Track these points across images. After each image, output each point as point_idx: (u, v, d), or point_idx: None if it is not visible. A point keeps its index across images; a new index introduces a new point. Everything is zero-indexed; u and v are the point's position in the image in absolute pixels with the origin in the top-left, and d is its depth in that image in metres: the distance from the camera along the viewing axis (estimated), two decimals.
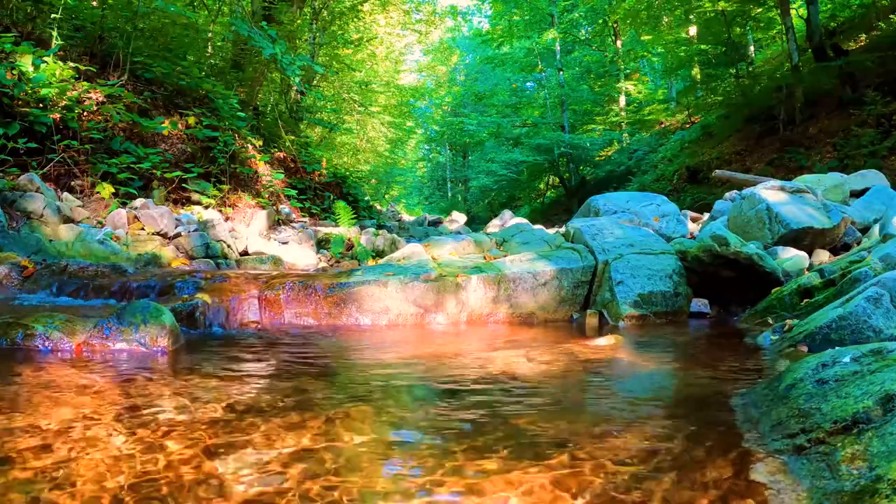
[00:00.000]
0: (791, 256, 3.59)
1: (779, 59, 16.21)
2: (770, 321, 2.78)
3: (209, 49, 9.78)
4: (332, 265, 5.50)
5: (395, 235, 7.15)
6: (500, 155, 23.62)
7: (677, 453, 1.25)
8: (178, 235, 4.95)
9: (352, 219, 7.75)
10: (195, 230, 5.06)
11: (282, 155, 9.00)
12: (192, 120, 6.70)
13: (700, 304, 3.26)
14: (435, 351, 2.48)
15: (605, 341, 2.51)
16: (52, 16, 5.78)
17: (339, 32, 13.77)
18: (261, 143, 8.22)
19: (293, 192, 8.10)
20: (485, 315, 3.18)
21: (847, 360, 1.39)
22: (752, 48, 17.36)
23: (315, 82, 12.20)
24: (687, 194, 14.03)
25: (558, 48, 23.35)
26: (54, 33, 5.72)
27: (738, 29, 15.25)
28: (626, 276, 3.24)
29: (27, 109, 4.91)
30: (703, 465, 1.18)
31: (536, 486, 1.11)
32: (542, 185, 26.74)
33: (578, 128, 24.39)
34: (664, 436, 1.36)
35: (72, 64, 5.42)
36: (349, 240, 6.26)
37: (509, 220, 8.82)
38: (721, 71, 16.30)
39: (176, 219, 5.17)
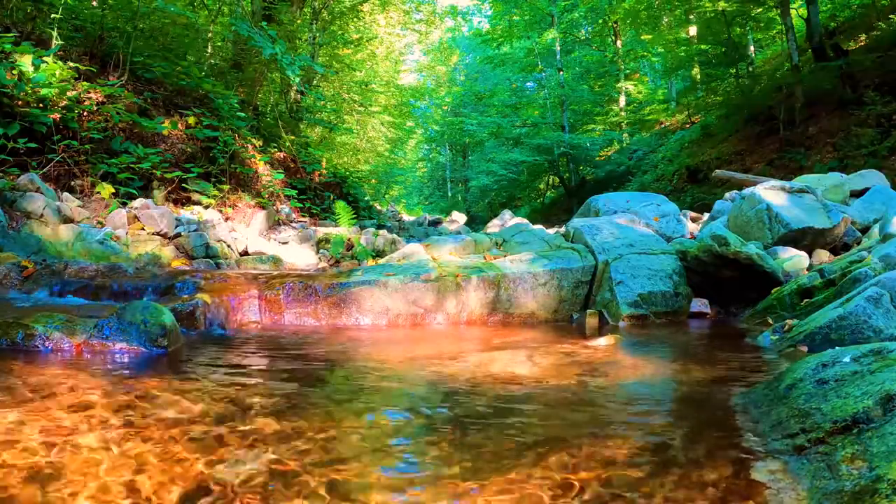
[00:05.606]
0: (791, 256, 3.59)
1: (779, 59, 16.22)
2: (770, 321, 2.78)
3: (209, 49, 9.77)
4: (332, 265, 5.50)
5: (394, 235, 7.15)
6: (500, 155, 23.60)
7: (677, 453, 1.25)
8: (178, 235, 4.95)
9: (352, 219, 7.75)
10: (195, 230, 5.05)
11: (282, 155, 9.00)
12: (192, 120, 6.69)
13: (700, 304, 3.26)
14: (434, 351, 2.48)
15: (604, 341, 2.51)
16: (52, 16, 5.78)
17: (339, 32, 13.76)
18: (261, 143, 8.22)
19: (293, 192, 8.10)
20: (485, 315, 3.18)
21: (847, 360, 1.39)
22: (752, 48, 17.36)
23: (315, 82, 12.19)
24: (687, 194, 14.03)
25: (558, 48, 23.34)
26: (54, 33, 5.71)
27: (738, 29, 15.25)
28: (625, 276, 3.24)
29: (27, 109, 4.91)
30: (703, 465, 1.18)
31: (536, 486, 1.11)
32: (542, 185, 26.74)
33: (578, 128, 24.38)
34: (664, 435, 1.36)
35: (72, 64, 5.41)
36: (349, 240, 6.26)
37: (509, 220, 8.83)
38: (721, 71, 16.30)
39: (176, 219, 5.17)
